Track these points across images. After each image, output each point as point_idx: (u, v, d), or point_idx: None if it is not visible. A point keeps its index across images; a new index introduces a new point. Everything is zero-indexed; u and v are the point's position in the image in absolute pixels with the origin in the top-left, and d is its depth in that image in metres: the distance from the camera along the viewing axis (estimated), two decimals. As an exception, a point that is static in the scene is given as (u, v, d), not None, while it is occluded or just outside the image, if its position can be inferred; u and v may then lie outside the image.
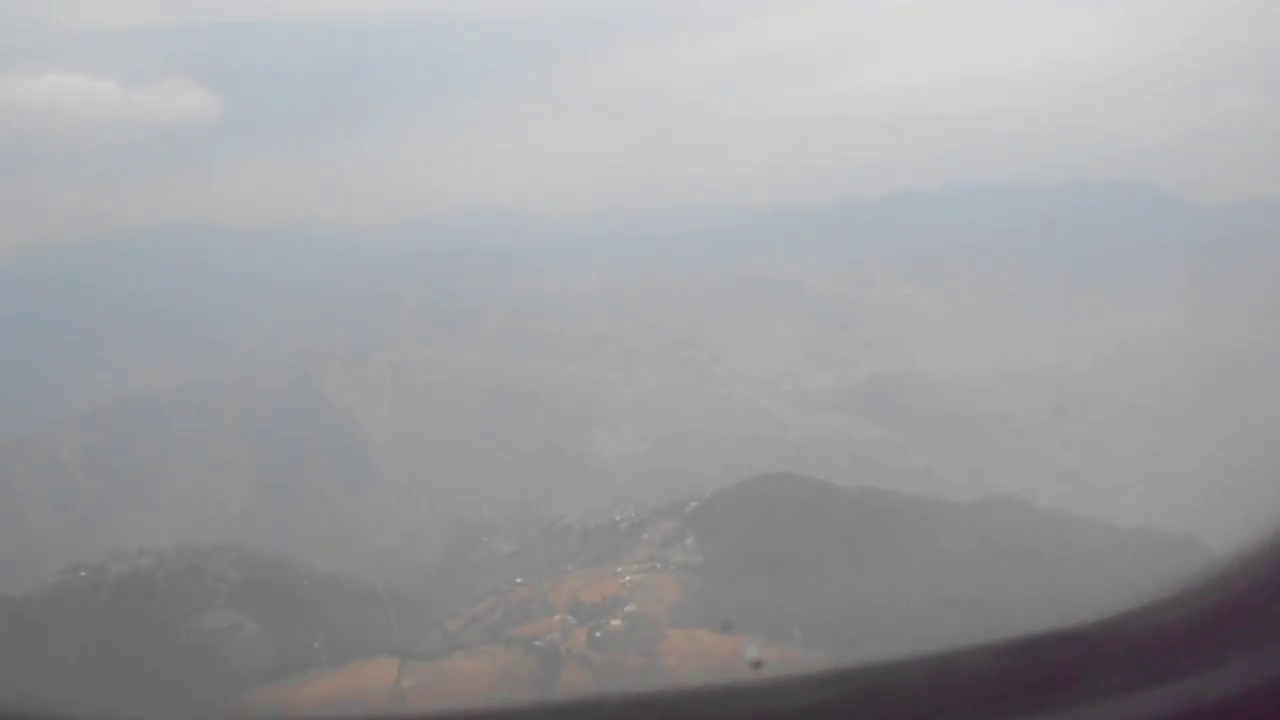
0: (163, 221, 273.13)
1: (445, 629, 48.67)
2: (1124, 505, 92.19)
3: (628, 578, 47.71)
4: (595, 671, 39.17)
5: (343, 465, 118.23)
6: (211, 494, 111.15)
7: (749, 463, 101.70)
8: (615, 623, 43.18)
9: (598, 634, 42.43)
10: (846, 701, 1.47)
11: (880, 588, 46.20)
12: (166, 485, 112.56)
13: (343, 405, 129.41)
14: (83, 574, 55.06)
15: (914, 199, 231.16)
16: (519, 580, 53.57)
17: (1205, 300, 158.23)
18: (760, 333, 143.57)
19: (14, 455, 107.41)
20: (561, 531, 67.95)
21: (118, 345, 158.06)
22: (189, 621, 51.51)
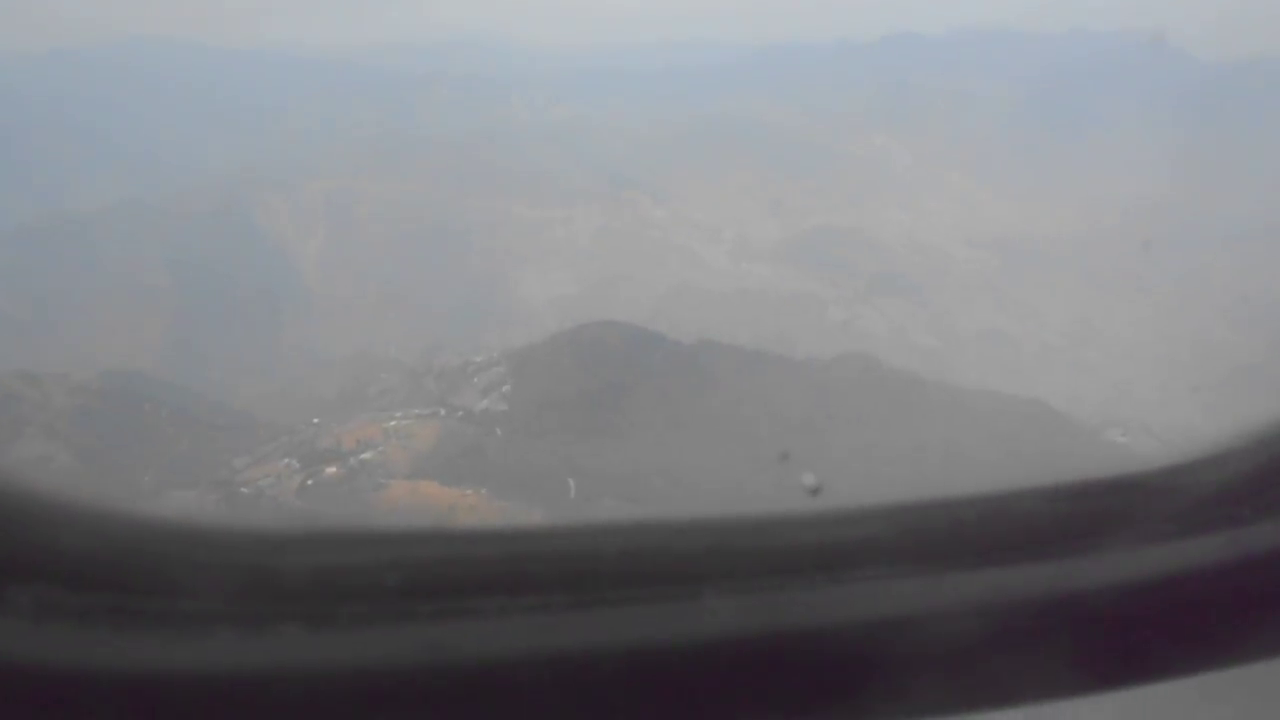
0: (135, 34, 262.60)
1: (231, 466, 47.07)
2: (1036, 370, 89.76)
3: (392, 423, 45.76)
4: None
5: (266, 296, 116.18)
6: (128, 318, 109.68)
7: (668, 311, 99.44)
8: (331, 470, 41.25)
9: (310, 482, 40.48)
10: (896, 537, 1.68)
11: (682, 446, 44.11)
12: (84, 308, 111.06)
13: (274, 234, 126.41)
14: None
15: (911, 41, 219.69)
16: (315, 420, 51.75)
17: (1198, 165, 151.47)
18: (715, 177, 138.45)
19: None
20: (423, 372, 66.01)
21: (62, 162, 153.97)
22: (-10, 449, 49.97)
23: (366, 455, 41.96)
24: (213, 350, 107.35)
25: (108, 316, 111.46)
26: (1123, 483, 1.98)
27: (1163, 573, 1.88)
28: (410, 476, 40.09)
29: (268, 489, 40.20)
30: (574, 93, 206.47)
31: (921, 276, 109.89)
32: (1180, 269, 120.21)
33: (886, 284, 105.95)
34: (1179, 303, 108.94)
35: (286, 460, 43.11)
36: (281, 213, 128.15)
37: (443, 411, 47.79)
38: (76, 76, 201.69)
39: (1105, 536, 1.86)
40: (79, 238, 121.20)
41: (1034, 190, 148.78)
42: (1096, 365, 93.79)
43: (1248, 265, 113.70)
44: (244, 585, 1.50)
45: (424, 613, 1.52)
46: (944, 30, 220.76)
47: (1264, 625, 1.94)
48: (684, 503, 42.36)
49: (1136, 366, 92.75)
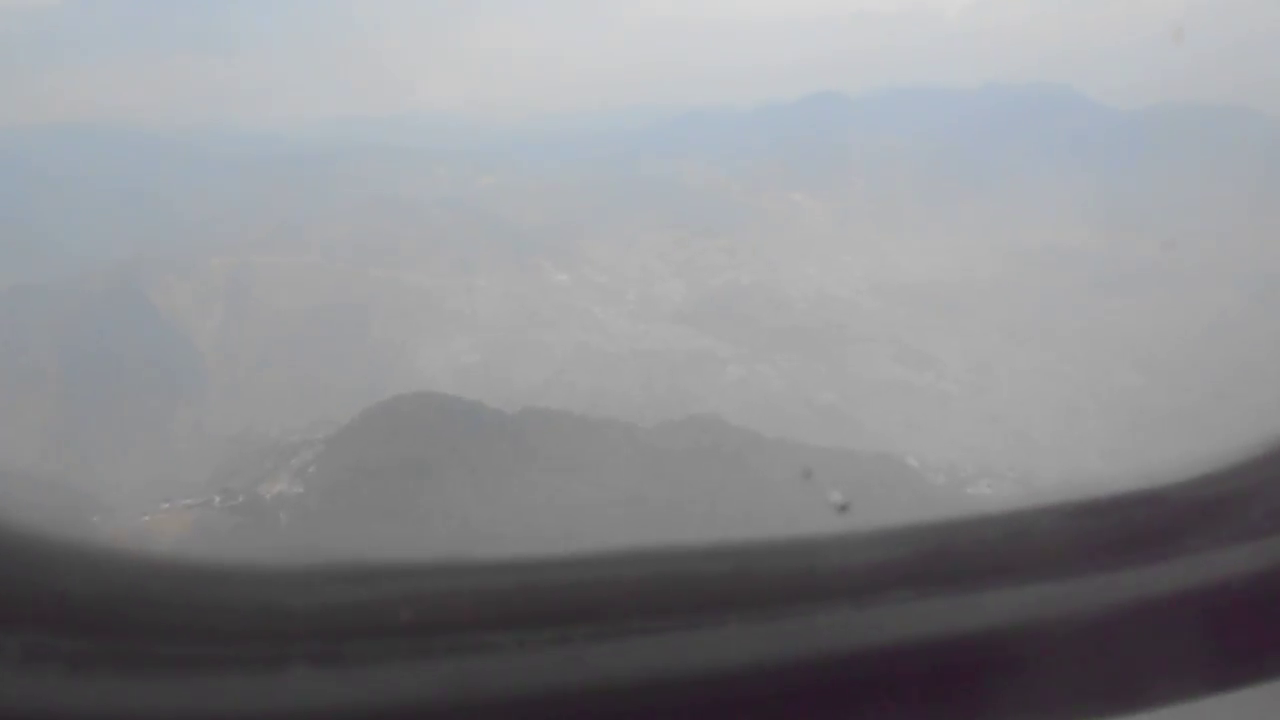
0: (59, 121, 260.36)
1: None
2: (932, 421, 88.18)
3: (145, 518, 42.60)
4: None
5: (160, 378, 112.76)
6: (10, 408, 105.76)
7: (568, 376, 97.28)
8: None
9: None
10: (919, 557, 1.69)
11: (485, 523, 41.41)
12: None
13: (171, 314, 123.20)
14: None
15: (832, 100, 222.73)
16: (95, 519, 48.52)
17: (1110, 211, 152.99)
18: (623, 239, 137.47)
19: None
20: (273, 451, 63.03)
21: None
22: None
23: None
24: (100, 438, 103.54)
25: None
26: (1146, 497, 1.93)
27: (1189, 587, 1.82)
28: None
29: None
30: (500, 161, 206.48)
31: (825, 330, 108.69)
32: (1088, 315, 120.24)
33: (789, 339, 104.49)
34: (1085, 350, 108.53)
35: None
36: (180, 292, 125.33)
37: (217, 499, 44.82)
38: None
39: (1130, 552, 1.82)
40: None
41: (946, 240, 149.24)
42: (995, 414, 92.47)
43: (1157, 311, 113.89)
44: (249, 626, 1.39)
45: (440, 648, 1.42)
46: (865, 89, 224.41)
47: None
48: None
49: (1038, 415, 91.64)
